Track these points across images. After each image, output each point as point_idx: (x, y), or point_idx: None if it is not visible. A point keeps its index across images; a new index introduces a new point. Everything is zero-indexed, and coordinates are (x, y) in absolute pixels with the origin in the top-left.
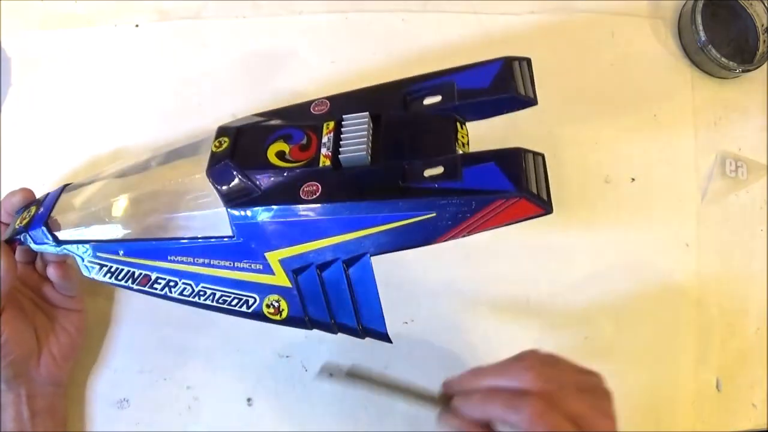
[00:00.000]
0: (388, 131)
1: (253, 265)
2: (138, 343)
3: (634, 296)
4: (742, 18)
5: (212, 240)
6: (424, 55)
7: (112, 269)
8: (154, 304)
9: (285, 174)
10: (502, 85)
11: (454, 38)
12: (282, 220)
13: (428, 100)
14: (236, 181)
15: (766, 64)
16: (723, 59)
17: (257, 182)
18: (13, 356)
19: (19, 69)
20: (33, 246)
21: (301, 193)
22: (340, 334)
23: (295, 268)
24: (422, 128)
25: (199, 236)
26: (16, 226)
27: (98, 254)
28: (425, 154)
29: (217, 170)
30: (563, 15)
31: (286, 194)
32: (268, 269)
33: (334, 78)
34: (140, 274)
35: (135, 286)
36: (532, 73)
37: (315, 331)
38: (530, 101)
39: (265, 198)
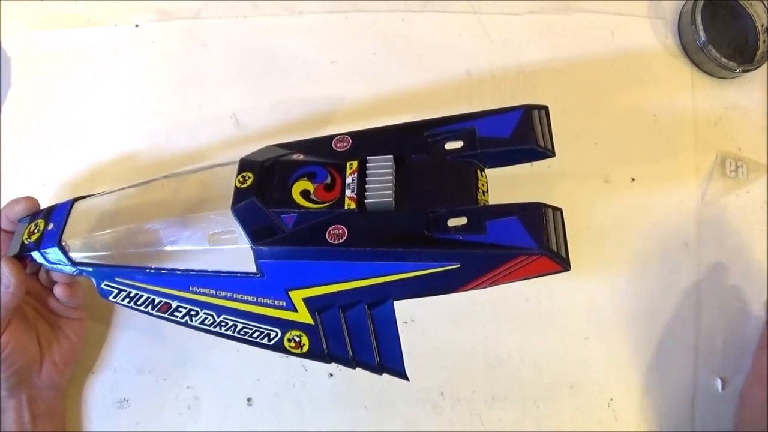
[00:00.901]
0: (411, 175)
1: (276, 302)
2: (138, 343)
3: (634, 296)
4: (742, 18)
5: (236, 275)
6: (424, 55)
7: (131, 294)
8: None
9: (311, 215)
10: (523, 136)
11: (454, 38)
12: (307, 260)
13: (449, 145)
14: (262, 220)
15: (766, 64)
16: (723, 59)
17: (283, 222)
18: (17, 366)
19: (19, 69)
20: (46, 265)
21: (327, 236)
22: None
23: (318, 307)
24: (445, 174)
25: (223, 270)
26: (25, 241)
27: (116, 279)
28: (448, 201)
29: (243, 208)
30: (563, 15)
31: (312, 236)
32: (291, 306)
33: (334, 78)
34: (160, 301)
35: (154, 313)
36: (550, 121)
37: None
38: (548, 153)
39: (291, 239)
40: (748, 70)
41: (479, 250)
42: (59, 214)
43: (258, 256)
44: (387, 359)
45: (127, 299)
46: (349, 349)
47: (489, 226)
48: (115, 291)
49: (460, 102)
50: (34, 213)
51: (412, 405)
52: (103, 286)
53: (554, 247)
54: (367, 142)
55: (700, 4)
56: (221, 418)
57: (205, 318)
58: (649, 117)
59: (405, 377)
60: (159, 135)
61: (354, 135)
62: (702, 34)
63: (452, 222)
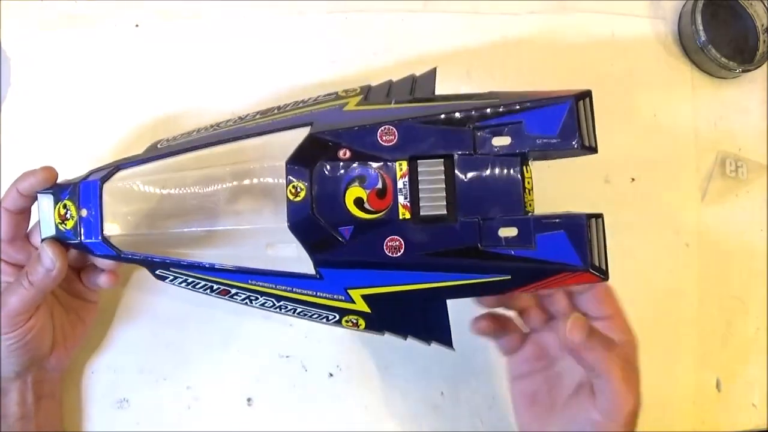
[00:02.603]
0: (460, 176)
1: (335, 296)
2: (138, 343)
3: (634, 296)
4: (742, 18)
5: (294, 274)
6: (424, 55)
7: (188, 280)
8: (153, 304)
9: (367, 226)
10: (570, 135)
11: (455, 38)
12: (366, 269)
13: (497, 141)
14: (320, 233)
15: (766, 64)
16: (723, 59)
17: (341, 233)
18: (34, 352)
19: (19, 69)
20: (91, 255)
21: (384, 248)
22: (342, 335)
23: (374, 301)
24: (492, 173)
25: (281, 270)
26: (60, 227)
27: (172, 268)
28: (497, 205)
29: (300, 224)
30: (563, 15)
31: (370, 249)
32: (349, 300)
33: (334, 78)
34: (219, 287)
35: (213, 295)
36: (593, 108)
37: (315, 331)
38: (592, 150)
39: (350, 252)
40: (748, 70)
41: (529, 265)
42: (89, 197)
43: (317, 264)
44: (435, 333)
45: (185, 284)
46: (402, 327)
47: (538, 240)
48: (171, 276)
49: None
50: (57, 187)
51: (412, 405)
52: (158, 272)
53: (596, 261)
54: (414, 135)
55: (700, 4)
56: (221, 418)
57: (266, 302)
58: (649, 117)
59: (451, 347)
60: (159, 135)
61: (399, 126)
62: (702, 34)
63: (503, 232)
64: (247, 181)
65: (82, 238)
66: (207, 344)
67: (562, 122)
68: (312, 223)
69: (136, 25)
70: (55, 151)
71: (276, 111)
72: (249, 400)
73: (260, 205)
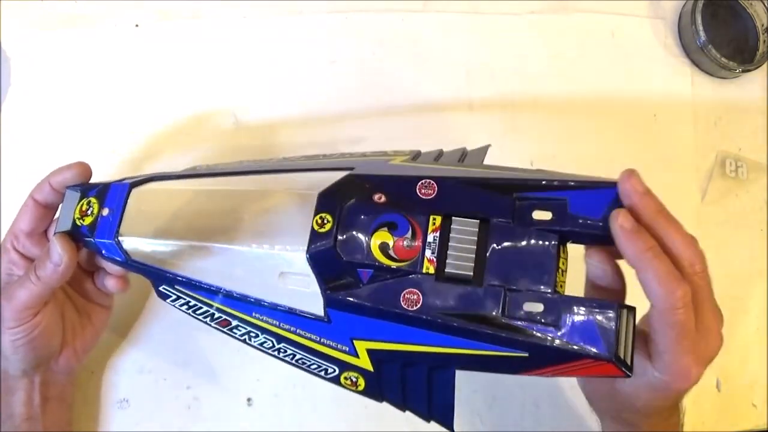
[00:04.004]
0: (493, 242)
1: (339, 346)
2: (138, 343)
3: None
4: (742, 18)
5: (302, 313)
6: (424, 55)
7: (190, 303)
8: (153, 304)
9: (388, 273)
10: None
11: (454, 38)
12: (378, 319)
13: (537, 215)
14: (338, 270)
15: (766, 64)
16: (723, 59)
17: (358, 275)
18: (40, 350)
19: (19, 69)
20: (99, 255)
21: (401, 300)
22: None
23: (379, 358)
24: (527, 246)
25: (289, 306)
26: (77, 222)
27: (176, 287)
28: (526, 277)
29: (320, 255)
30: (563, 15)
31: (386, 297)
32: (353, 353)
33: (334, 78)
34: (219, 317)
35: (212, 324)
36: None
37: None
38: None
39: (365, 296)
40: (748, 70)
41: (550, 345)
42: (115, 198)
43: (327, 304)
44: (437, 412)
45: (185, 306)
46: (403, 397)
47: (563, 321)
48: (174, 296)
49: (460, 102)
50: (87, 186)
51: None
52: (161, 288)
53: (622, 354)
54: (453, 193)
55: (700, 4)
56: (221, 418)
57: (265, 341)
58: (649, 117)
59: (451, 429)
60: (159, 135)
61: (440, 182)
62: (702, 34)
63: (528, 306)
64: (274, 205)
65: (96, 236)
66: (207, 344)
67: (608, 207)
68: (332, 257)
69: (136, 25)
70: (55, 151)
71: (321, 157)
72: (249, 400)
73: (283, 230)
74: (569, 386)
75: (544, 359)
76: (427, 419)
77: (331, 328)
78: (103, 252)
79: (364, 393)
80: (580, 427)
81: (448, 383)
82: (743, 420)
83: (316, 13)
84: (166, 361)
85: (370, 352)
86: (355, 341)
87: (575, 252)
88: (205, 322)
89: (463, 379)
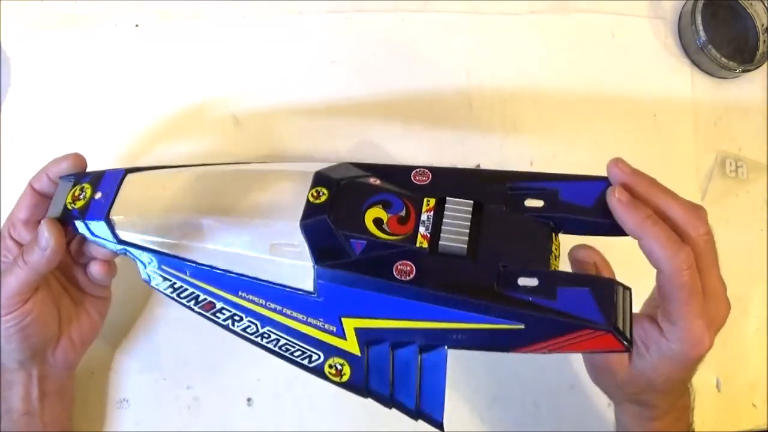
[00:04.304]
0: (487, 224)
1: (326, 326)
2: (138, 343)
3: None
4: (742, 18)
5: (289, 289)
6: (424, 55)
7: (176, 285)
8: (153, 304)
9: (380, 246)
10: (604, 209)
11: (454, 38)
12: (369, 290)
13: (530, 202)
14: (330, 240)
15: (766, 64)
16: (723, 59)
17: (351, 247)
18: (34, 339)
19: (19, 69)
20: (88, 237)
21: (394, 270)
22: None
23: (368, 340)
24: (520, 231)
25: (277, 282)
26: (69, 206)
27: (163, 267)
28: (520, 258)
29: (313, 225)
30: (563, 15)
31: (379, 268)
32: (340, 333)
33: (334, 78)
34: (204, 299)
35: (196, 308)
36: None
37: None
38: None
39: (356, 266)
40: (748, 70)
41: (546, 315)
42: (109, 183)
43: (318, 276)
44: (426, 405)
45: (171, 289)
46: (390, 387)
47: (559, 293)
48: (159, 279)
49: (460, 102)
50: (80, 174)
51: None
52: (147, 270)
53: (621, 326)
54: (447, 182)
55: (700, 4)
56: (221, 418)
57: (248, 326)
58: (649, 117)
59: (441, 428)
60: (159, 135)
61: (435, 171)
62: (702, 34)
63: (522, 281)
64: (269, 183)
65: (86, 217)
66: (207, 344)
67: (598, 197)
68: (325, 226)
69: (136, 25)
70: (55, 151)
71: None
72: (249, 400)
73: (277, 205)
74: (569, 386)
75: (540, 332)
76: (415, 416)
77: (319, 305)
78: (93, 233)
79: (348, 384)
80: (580, 427)
81: (439, 366)
82: (743, 420)
83: (316, 13)
84: (166, 361)
85: (359, 332)
86: (343, 319)
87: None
88: (189, 307)
89: (463, 378)
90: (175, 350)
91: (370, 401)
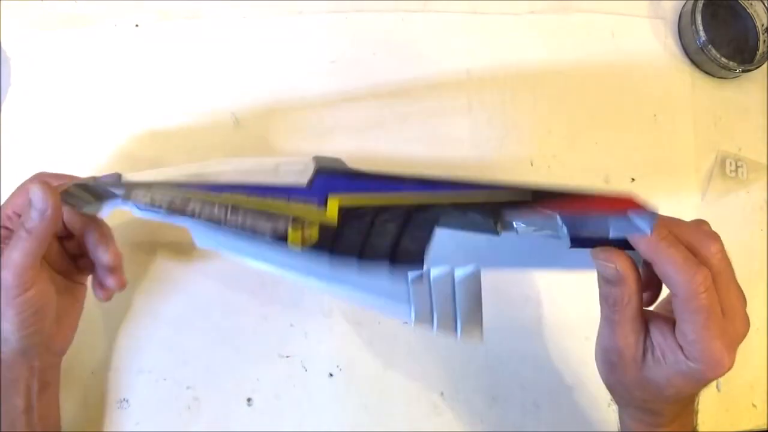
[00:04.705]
0: None
1: (308, 203)
2: (138, 343)
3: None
4: (742, 18)
5: (281, 186)
6: (424, 55)
7: (155, 197)
8: (153, 304)
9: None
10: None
11: (454, 38)
12: (366, 177)
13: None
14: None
15: (766, 64)
16: (723, 59)
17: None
18: (45, 322)
19: (19, 69)
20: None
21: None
22: (342, 335)
23: (351, 214)
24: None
25: (271, 183)
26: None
27: (153, 188)
28: None
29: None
30: (563, 15)
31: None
32: (321, 207)
33: (334, 78)
34: (180, 197)
35: (164, 210)
36: None
37: (315, 330)
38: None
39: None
40: (748, 70)
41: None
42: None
43: (317, 172)
44: (406, 250)
45: (147, 199)
46: (361, 245)
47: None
48: (142, 193)
49: (460, 102)
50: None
51: (412, 405)
52: (129, 196)
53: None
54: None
55: (700, 4)
56: (221, 418)
57: (216, 211)
58: (649, 117)
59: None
60: (159, 135)
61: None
62: (702, 34)
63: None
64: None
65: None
66: (207, 344)
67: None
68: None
69: (136, 25)
70: (55, 151)
71: None
72: (249, 400)
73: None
74: (569, 386)
75: (549, 192)
76: (389, 268)
77: (308, 190)
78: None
79: (314, 247)
80: (580, 427)
81: (429, 223)
82: (743, 420)
83: (316, 13)
84: (166, 361)
85: (343, 209)
86: (330, 196)
87: None
88: (160, 213)
89: (463, 378)
90: (175, 350)
91: (369, 402)
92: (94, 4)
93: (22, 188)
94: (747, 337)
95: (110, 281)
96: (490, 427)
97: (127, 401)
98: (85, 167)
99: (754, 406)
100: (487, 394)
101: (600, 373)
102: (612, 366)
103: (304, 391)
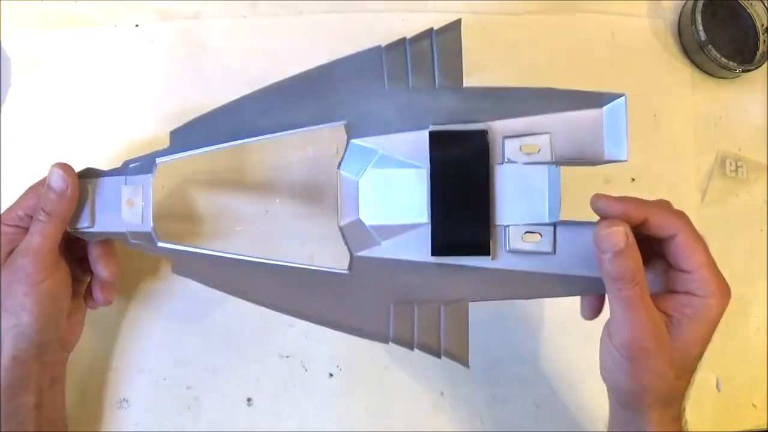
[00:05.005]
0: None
1: None
2: (138, 343)
3: None
4: (742, 18)
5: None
6: None
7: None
8: (153, 304)
9: None
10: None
11: None
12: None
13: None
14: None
15: (766, 64)
16: (723, 59)
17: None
18: (63, 313)
19: (19, 69)
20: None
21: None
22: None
23: None
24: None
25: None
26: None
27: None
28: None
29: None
30: (563, 15)
31: None
32: None
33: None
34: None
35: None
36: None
37: (315, 331)
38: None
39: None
40: (748, 70)
41: None
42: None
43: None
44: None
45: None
46: None
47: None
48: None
49: None
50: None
51: (412, 405)
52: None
53: None
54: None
55: (700, 4)
56: (221, 418)
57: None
58: (649, 117)
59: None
60: (159, 135)
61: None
62: (702, 34)
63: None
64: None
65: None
66: (207, 344)
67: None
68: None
69: (136, 25)
70: (55, 151)
71: None
72: (249, 400)
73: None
74: (569, 386)
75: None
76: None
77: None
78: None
79: None
80: (580, 427)
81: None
82: (743, 420)
83: (316, 13)
84: (166, 361)
85: None
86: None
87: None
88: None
89: (463, 378)
90: (175, 350)
91: (369, 402)
92: (94, 4)
93: (33, 190)
94: (747, 337)
95: (99, 296)
96: (490, 427)
97: (127, 401)
98: (84, 167)
99: (754, 406)
100: (487, 394)
101: (611, 374)
102: (637, 357)
103: (304, 391)
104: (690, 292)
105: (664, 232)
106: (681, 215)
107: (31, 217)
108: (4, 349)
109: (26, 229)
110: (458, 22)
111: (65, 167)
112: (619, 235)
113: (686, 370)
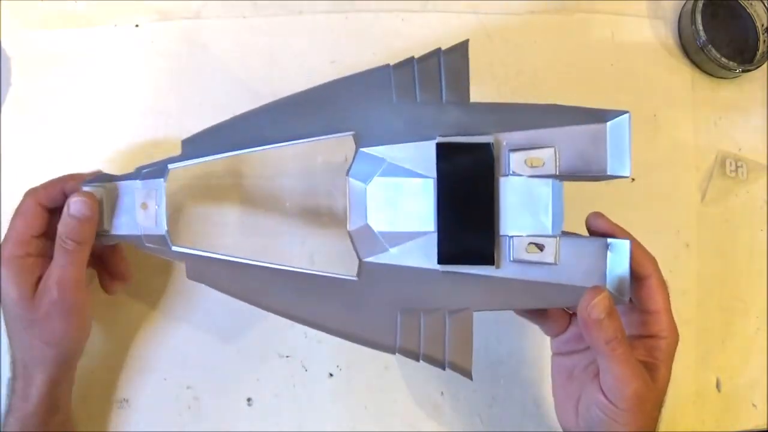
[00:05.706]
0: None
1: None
2: (138, 343)
3: None
4: (742, 18)
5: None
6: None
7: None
8: (153, 304)
9: None
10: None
11: (455, 38)
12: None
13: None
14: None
15: (766, 64)
16: (723, 59)
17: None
18: (89, 328)
19: (19, 69)
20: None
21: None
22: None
23: None
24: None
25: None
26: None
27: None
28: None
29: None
30: (563, 15)
31: None
32: None
33: (335, 78)
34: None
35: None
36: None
37: (315, 331)
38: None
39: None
40: (748, 70)
41: None
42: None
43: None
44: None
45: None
46: None
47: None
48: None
49: None
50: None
51: (412, 405)
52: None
53: None
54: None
55: (700, 4)
56: (221, 418)
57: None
58: (649, 117)
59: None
60: (159, 135)
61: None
62: (702, 34)
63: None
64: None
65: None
66: (207, 344)
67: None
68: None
69: (136, 25)
70: (55, 151)
71: None
72: (249, 400)
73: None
74: None
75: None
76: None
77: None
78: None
79: None
80: None
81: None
82: (743, 420)
83: (316, 13)
84: (166, 361)
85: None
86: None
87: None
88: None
89: (463, 378)
90: (175, 350)
91: (369, 402)
92: (94, 4)
93: (20, 213)
94: (747, 337)
95: (114, 286)
96: (490, 427)
97: (127, 401)
98: (84, 168)
99: (754, 406)
100: (487, 393)
101: (595, 425)
102: (635, 407)
103: (304, 391)
104: (654, 334)
105: (642, 270)
106: (653, 258)
107: (38, 238)
108: (43, 378)
109: (43, 255)
110: (466, 43)
111: (85, 195)
112: (607, 300)
113: (661, 405)
